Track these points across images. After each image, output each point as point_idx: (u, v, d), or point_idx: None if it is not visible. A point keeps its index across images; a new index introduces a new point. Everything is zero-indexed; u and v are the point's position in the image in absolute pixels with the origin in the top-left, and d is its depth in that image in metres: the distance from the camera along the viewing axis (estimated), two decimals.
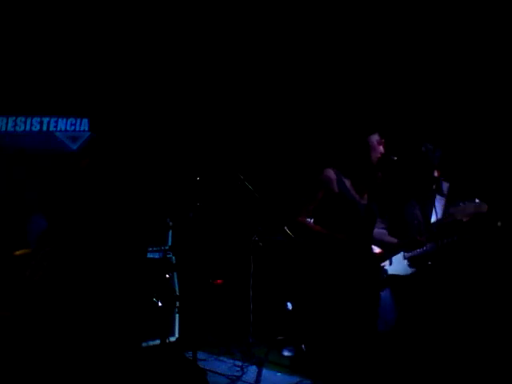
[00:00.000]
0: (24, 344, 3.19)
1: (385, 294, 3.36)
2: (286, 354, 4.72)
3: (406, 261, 3.46)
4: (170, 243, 4.87)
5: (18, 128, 4.89)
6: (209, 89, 5.62)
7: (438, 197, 3.69)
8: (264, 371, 4.21)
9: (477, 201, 3.21)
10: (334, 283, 2.93)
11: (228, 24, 5.21)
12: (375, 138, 3.04)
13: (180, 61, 5.47)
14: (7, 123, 4.85)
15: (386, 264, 3.41)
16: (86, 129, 5.12)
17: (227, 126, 5.67)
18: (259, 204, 4.33)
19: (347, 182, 3.02)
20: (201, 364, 4.21)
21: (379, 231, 3.36)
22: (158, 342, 4.51)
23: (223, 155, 5.38)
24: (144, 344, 4.45)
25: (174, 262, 4.88)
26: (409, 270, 3.46)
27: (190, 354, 4.09)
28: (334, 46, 5.05)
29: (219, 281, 5.19)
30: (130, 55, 5.23)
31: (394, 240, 3.44)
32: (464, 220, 3.24)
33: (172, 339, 4.74)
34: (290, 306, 4.73)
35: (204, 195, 4.41)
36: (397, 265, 3.46)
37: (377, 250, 3.33)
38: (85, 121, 5.12)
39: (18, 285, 3.33)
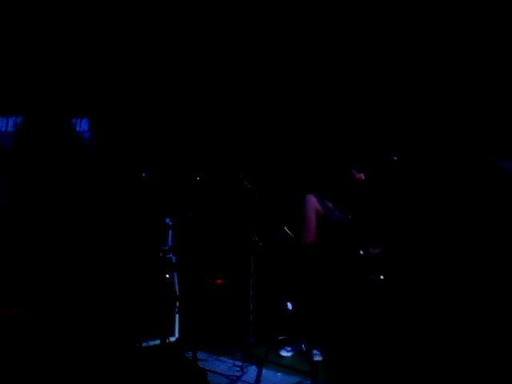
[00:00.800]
0: (34, 341, 3.19)
1: None
2: (283, 354, 4.72)
3: None
4: (169, 243, 4.87)
5: None
6: (209, 89, 5.62)
7: None
8: (264, 371, 4.20)
9: None
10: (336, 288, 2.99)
11: (228, 24, 5.21)
12: (353, 168, 3.25)
13: (179, 61, 5.47)
14: (7, 123, 4.85)
15: None
16: (86, 129, 5.11)
17: (227, 126, 5.67)
18: (259, 204, 4.33)
19: (329, 204, 3.15)
20: (201, 364, 4.20)
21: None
22: (158, 342, 4.51)
23: (223, 155, 5.38)
24: (144, 344, 4.45)
25: (174, 261, 4.88)
26: None
27: (190, 354, 4.09)
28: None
29: (219, 281, 5.19)
30: (129, 54, 5.23)
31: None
32: None
33: (172, 339, 4.74)
34: (290, 305, 4.72)
35: (204, 195, 4.41)
36: None
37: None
38: (85, 121, 5.11)
39: (30, 289, 3.33)
